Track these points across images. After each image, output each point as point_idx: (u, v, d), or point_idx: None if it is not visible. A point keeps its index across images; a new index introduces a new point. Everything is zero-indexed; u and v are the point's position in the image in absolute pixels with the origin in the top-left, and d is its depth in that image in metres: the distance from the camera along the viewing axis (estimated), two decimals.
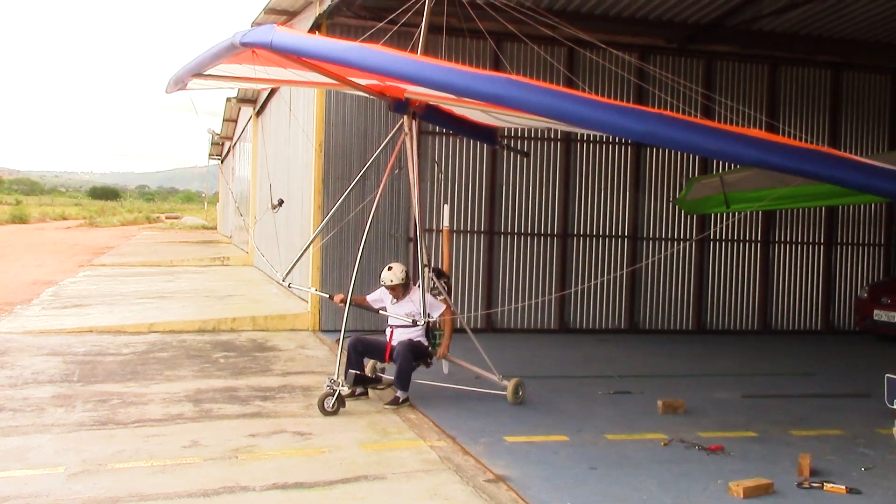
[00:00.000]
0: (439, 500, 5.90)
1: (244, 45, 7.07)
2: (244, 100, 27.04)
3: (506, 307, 14.47)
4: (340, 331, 8.77)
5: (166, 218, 74.92)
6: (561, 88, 6.02)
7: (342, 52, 6.70)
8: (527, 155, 13.82)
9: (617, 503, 5.96)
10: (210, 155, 50.03)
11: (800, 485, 6.44)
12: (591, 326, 15.25)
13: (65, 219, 69.24)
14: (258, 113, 26.41)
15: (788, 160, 5.31)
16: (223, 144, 44.94)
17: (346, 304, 8.81)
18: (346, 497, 5.91)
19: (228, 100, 30.05)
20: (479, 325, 14.21)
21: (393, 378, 8.80)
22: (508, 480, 6.36)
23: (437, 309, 8.91)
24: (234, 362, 10.99)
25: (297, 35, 7.31)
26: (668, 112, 5.55)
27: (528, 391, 9.25)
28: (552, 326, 15.03)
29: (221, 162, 50.77)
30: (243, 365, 10.82)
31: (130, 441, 7.13)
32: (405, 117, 8.85)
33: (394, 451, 7.10)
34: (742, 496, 6.09)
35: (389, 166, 9.19)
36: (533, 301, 14.55)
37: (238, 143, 36.64)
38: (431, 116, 9.27)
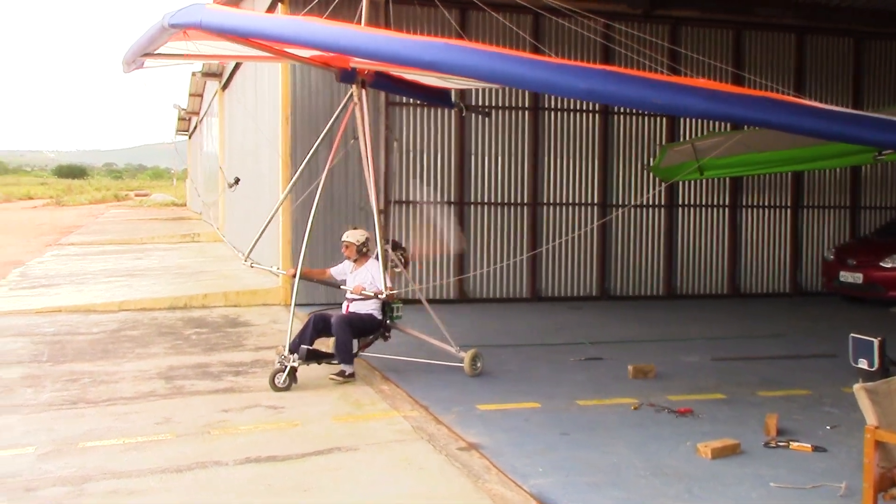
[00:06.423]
0: (412, 470, 5.94)
1: (173, 26, 6.88)
2: (209, 74, 26.73)
3: (476, 272, 14.45)
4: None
5: (135, 195, 73.78)
6: (502, 50, 5.86)
7: (276, 27, 6.55)
8: (487, 115, 13.73)
9: (588, 467, 6.02)
10: (177, 130, 49.45)
11: (766, 444, 6.55)
12: (562, 294, 15.33)
13: (31, 198, 67.91)
14: (224, 87, 26.08)
15: (737, 108, 5.14)
16: (190, 119, 44.41)
17: (296, 277, 8.76)
18: (320, 469, 5.94)
19: (193, 74, 29.70)
20: (452, 296, 14.27)
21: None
22: (481, 448, 6.41)
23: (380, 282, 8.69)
24: (206, 338, 10.95)
25: (227, 12, 7.09)
26: (613, 67, 5.43)
27: (501, 359, 9.29)
28: (524, 295, 15.09)
29: (189, 137, 50.20)
30: (215, 341, 10.79)
31: (101, 419, 7.10)
32: (354, 87, 8.72)
33: (367, 423, 7.13)
34: (710, 457, 6.19)
35: (338, 138, 9.04)
36: (504, 263, 14.55)
37: (205, 118, 36.20)
38: (381, 83, 9.13)
